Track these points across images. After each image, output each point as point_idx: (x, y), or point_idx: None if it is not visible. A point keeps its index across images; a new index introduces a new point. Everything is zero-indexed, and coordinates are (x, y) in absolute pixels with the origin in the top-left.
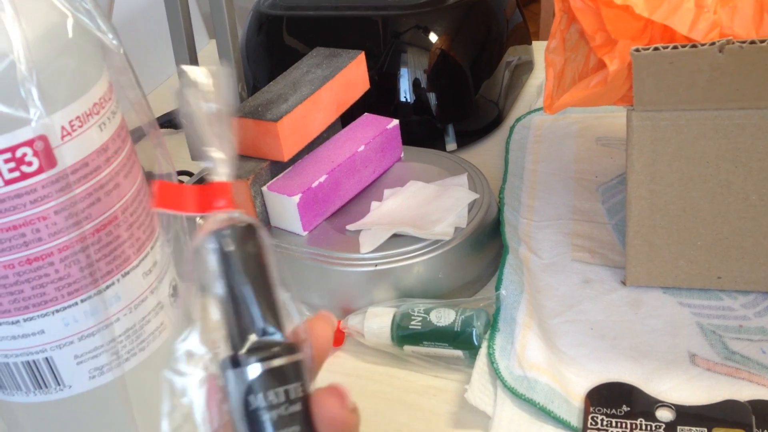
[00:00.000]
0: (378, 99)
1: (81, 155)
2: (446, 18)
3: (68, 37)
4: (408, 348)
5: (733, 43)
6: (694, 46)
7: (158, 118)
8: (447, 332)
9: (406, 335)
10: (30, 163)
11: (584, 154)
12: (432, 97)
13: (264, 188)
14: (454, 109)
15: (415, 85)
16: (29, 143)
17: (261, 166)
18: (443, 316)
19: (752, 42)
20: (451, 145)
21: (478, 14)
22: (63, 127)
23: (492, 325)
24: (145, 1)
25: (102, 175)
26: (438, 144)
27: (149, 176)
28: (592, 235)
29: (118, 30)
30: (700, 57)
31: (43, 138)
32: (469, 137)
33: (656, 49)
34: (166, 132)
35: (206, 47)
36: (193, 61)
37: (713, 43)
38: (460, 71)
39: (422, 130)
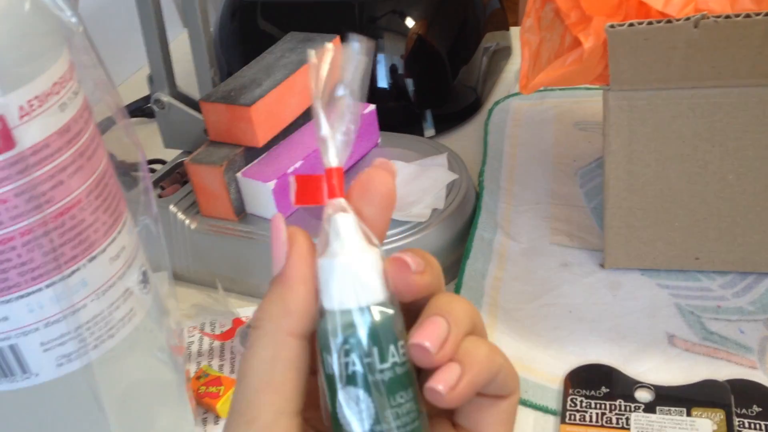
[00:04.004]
0: None
1: (41, 136)
2: (423, 3)
3: (24, 14)
4: None
5: (708, 17)
6: (669, 21)
7: (129, 105)
8: None
9: None
10: None
11: (562, 138)
12: (409, 83)
13: (238, 174)
14: (431, 94)
15: (392, 70)
16: None
17: (235, 153)
18: None
19: (727, 17)
20: (429, 131)
21: (455, 0)
22: (21, 107)
23: None
24: None
25: (64, 157)
26: (416, 130)
27: (122, 164)
28: (571, 218)
29: (87, 20)
30: (675, 33)
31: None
32: (447, 122)
33: (631, 25)
34: (138, 121)
35: (180, 37)
36: (165, 51)
37: (688, 18)
38: (438, 56)
39: (400, 116)
